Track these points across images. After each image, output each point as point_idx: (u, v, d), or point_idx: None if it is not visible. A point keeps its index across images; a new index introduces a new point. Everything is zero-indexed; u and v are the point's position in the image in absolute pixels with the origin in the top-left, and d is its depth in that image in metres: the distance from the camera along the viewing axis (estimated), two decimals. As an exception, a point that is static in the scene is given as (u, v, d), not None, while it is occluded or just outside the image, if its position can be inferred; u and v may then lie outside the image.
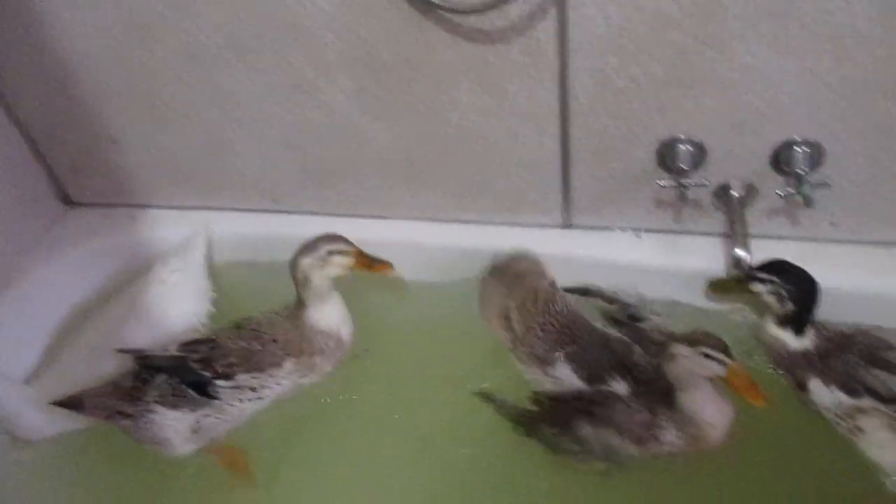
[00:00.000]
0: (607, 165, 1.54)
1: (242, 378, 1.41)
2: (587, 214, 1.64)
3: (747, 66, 1.33)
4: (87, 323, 1.66)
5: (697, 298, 1.56)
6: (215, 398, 1.40)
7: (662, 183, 1.45)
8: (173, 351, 1.43)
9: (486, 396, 1.47)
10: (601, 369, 1.37)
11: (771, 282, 1.38)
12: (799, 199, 1.40)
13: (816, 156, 1.41)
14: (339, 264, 1.44)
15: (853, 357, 1.34)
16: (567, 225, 1.67)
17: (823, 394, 1.33)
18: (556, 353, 1.43)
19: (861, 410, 1.29)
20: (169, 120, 1.68)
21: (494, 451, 1.42)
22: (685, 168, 1.44)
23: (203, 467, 1.46)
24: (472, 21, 1.38)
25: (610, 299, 1.55)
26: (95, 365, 1.52)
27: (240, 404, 1.41)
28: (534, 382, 1.45)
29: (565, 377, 1.41)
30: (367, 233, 1.72)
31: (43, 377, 1.57)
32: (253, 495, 1.43)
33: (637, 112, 1.44)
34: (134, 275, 1.84)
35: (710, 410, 1.27)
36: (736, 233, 1.45)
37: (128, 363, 1.47)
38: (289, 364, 1.45)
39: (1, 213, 1.74)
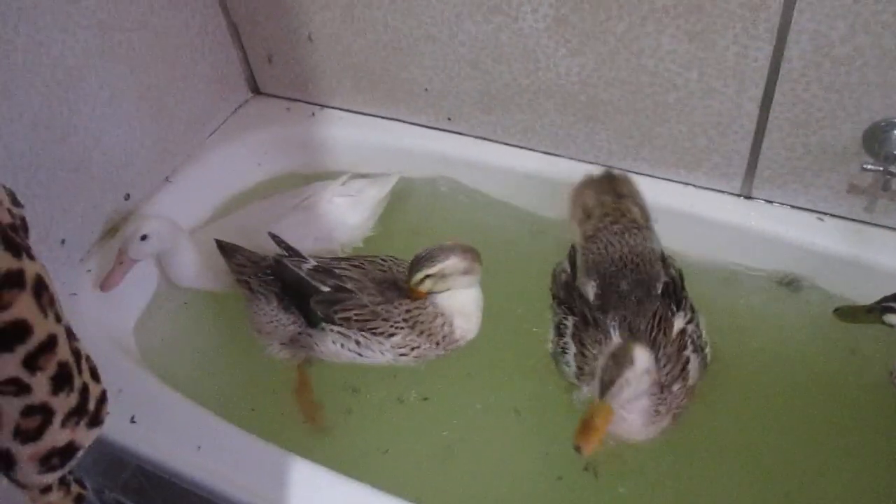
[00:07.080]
0: (805, 139, 1.44)
1: (352, 332, 1.39)
2: (769, 187, 1.56)
3: None
4: (253, 202, 1.74)
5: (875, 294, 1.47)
6: (320, 330, 1.41)
7: (868, 166, 1.35)
8: (307, 269, 1.42)
9: None
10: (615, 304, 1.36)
11: None
12: None
13: None
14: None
15: None
16: (746, 195, 1.59)
17: None
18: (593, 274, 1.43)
19: None
20: (366, 26, 1.72)
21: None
22: (896, 154, 1.34)
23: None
24: (696, -37, 1.31)
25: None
26: (244, 242, 1.58)
27: (338, 348, 1.41)
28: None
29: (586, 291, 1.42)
30: (535, 166, 1.73)
31: (200, 233, 1.68)
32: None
33: (854, 86, 1.33)
34: (303, 168, 1.93)
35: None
36: (937, 233, 1.34)
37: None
38: (397, 338, 1.40)
39: (196, 89, 1.84)
